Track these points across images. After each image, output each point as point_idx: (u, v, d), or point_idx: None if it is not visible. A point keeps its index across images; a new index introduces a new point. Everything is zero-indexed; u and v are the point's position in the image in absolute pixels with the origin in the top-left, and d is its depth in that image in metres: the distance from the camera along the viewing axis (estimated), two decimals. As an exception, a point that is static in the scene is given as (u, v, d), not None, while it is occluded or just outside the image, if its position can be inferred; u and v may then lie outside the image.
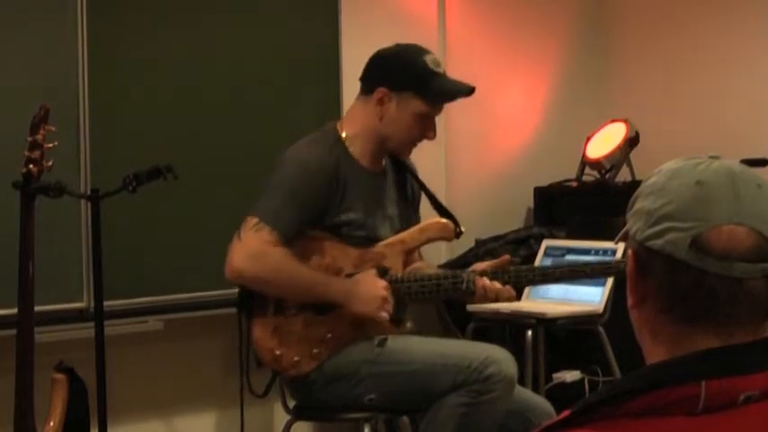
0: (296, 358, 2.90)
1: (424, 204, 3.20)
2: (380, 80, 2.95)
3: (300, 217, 2.86)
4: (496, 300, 2.93)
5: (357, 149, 2.98)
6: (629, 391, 1.10)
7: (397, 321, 2.96)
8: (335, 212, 2.92)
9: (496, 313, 3.86)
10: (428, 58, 2.95)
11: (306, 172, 2.87)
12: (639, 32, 5.07)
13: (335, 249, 2.94)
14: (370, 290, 2.87)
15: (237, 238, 2.83)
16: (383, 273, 2.93)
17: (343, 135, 2.99)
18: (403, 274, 2.98)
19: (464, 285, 2.93)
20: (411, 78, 2.93)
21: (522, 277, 2.98)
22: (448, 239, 3.15)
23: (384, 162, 3.07)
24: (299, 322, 2.91)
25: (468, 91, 2.98)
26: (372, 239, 2.98)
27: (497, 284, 2.89)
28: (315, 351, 2.91)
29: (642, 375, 1.12)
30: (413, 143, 3.03)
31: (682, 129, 4.84)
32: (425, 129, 2.99)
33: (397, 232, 3.03)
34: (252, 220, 2.82)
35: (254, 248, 2.80)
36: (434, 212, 3.14)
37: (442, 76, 2.97)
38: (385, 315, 2.87)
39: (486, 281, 2.89)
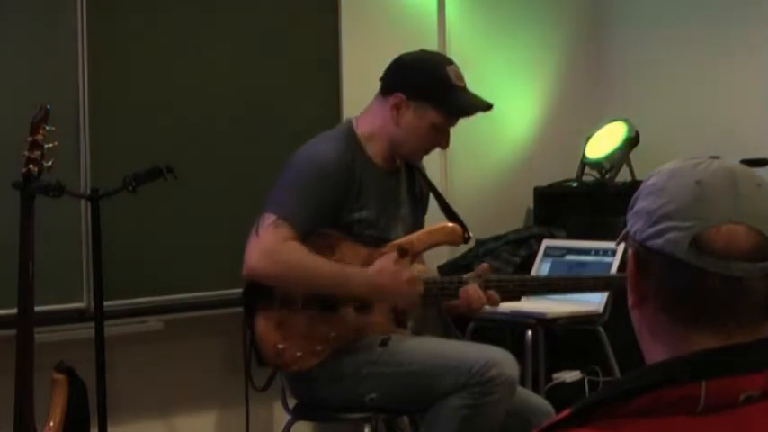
0: (298, 353, 2.90)
1: (432, 207, 3.20)
2: (399, 85, 2.94)
3: (318, 215, 2.86)
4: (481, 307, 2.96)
5: (372, 149, 2.98)
6: (630, 391, 1.10)
7: (398, 321, 2.97)
8: (349, 211, 2.92)
9: (496, 314, 3.85)
10: (450, 70, 2.93)
11: (323, 170, 2.87)
12: (639, 32, 5.07)
13: (345, 247, 2.93)
14: (393, 278, 2.86)
15: (255, 236, 2.81)
16: (403, 252, 2.92)
17: (359, 133, 2.99)
18: None
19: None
20: (430, 89, 2.92)
21: (527, 287, 2.99)
22: (455, 244, 3.16)
23: (398, 162, 3.07)
24: (303, 318, 2.91)
25: (486, 107, 2.97)
26: (383, 239, 2.98)
27: (481, 293, 2.92)
28: (318, 348, 2.91)
29: (642, 375, 1.12)
30: (425, 151, 3.04)
31: (682, 129, 4.84)
32: (438, 139, 2.99)
33: (408, 233, 3.03)
34: (270, 218, 2.81)
35: (271, 246, 2.79)
36: (442, 215, 3.14)
37: (462, 89, 2.95)
38: (415, 300, 2.87)
39: (472, 289, 2.90)
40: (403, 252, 2.93)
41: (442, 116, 2.94)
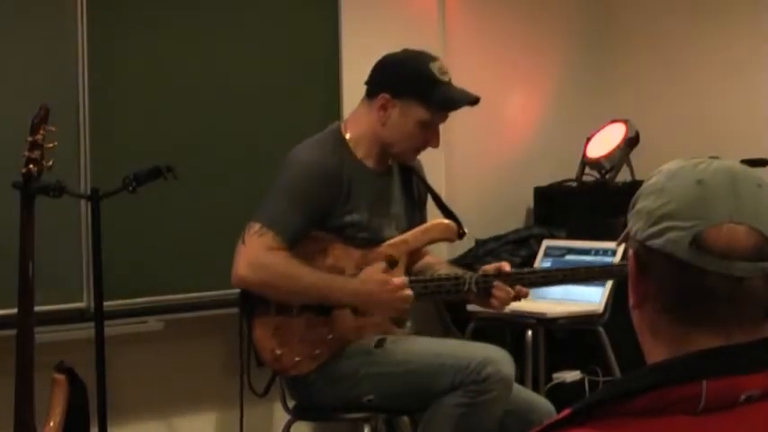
0: (297, 358, 2.90)
1: (429, 205, 3.20)
2: (384, 86, 2.94)
3: (305, 220, 2.85)
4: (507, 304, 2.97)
5: (362, 151, 2.98)
6: (630, 391, 1.10)
7: (397, 321, 2.97)
8: (339, 214, 2.91)
9: (496, 313, 3.85)
10: (434, 66, 2.93)
11: (310, 175, 2.86)
12: (640, 33, 5.07)
13: (338, 250, 2.93)
14: (380, 286, 2.86)
15: (242, 245, 2.82)
16: (392, 264, 2.93)
17: (347, 136, 2.98)
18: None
19: (466, 287, 2.94)
20: (414, 85, 2.91)
21: (525, 279, 2.99)
22: (451, 241, 3.16)
23: (390, 162, 3.07)
24: (300, 323, 2.91)
25: (472, 100, 2.97)
26: (376, 240, 2.98)
27: (509, 290, 2.93)
28: (316, 352, 2.91)
29: (643, 375, 1.12)
30: (416, 150, 3.03)
31: (682, 129, 4.84)
32: (428, 137, 2.98)
33: (402, 232, 3.04)
34: (255, 226, 2.81)
35: (257, 255, 2.79)
36: (438, 213, 3.14)
37: (447, 84, 2.94)
38: (406, 306, 2.88)
39: (499, 288, 2.92)
40: (392, 263, 2.94)
41: (428, 112, 2.93)
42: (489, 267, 2.98)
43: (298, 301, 2.88)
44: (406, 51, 3.02)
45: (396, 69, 2.96)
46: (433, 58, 2.98)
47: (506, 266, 2.97)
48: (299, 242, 2.85)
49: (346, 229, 2.93)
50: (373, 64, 3.04)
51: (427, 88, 2.91)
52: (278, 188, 2.88)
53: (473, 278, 2.94)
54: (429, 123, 2.95)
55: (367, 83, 3.01)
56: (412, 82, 2.92)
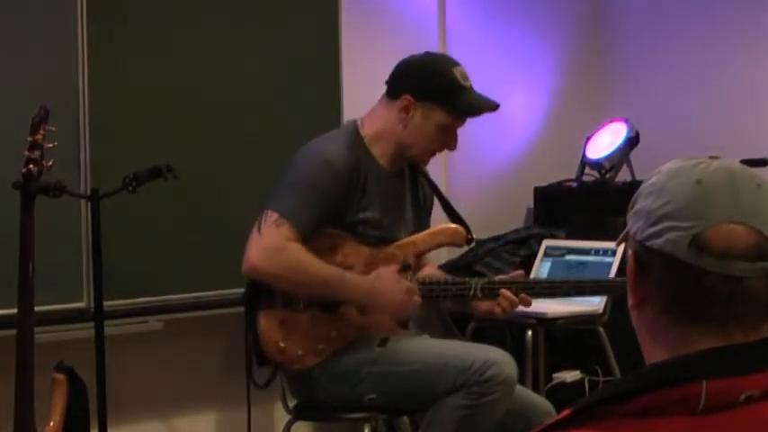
0: (300, 352, 2.91)
1: (435, 208, 3.20)
2: (407, 87, 2.94)
3: (320, 214, 2.86)
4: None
5: (377, 150, 2.98)
6: (630, 391, 1.10)
7: (401, 322, 2.97)
8: (353, 211, 2.92)
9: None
10: (456, 71, 2.95)
11: (327, 170, 2.86)
12: (639, 32, 5.07)
13: (348, 248, 2.93)
14: (391, 287, 2.86)
15: (257, 233, 2.81)
16: (406, 267, 2.94)
17: (364, 134, 2.99)
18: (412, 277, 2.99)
19: (471, 292, 2.94)
20: (438, 90, 2.93)
21: (530, 289, 3.00)
22: (459, 245, 3.17)
23: (402, 164, 3.07)
24: (305, 318, 2.91)
25: (493, 107, 2.99)
26: (387, 240, 2.98)
27: (512, 296, 2.93)
28: (319, 348, 2.91)
29: (643, 375, 1.12)
30: (432, 153, 3.05)
31: (682, 129, 4.84)
32: (446, 140, 3.00)
33: (411, 234, 3.04)
34: (272, 216, 2.81)
35: (272, 244, 2.79)
36: (445, 216, 3.14)
37: (469, 90, 2.96)
38: (416, 301, 2.87)
39: (509, 296, 2.93)
40: (406, 267, 2.94)
41: (449, 117, 2.95)
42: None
43: (308, 293, 2.88)
44: (428, 54, 3.05)
45: (420, 72, 2.97)
46: (455, 63, 3.00)
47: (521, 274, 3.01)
48: (311, 236, 2.85)
49: (359, 227, 2.93)
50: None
51: (450, 93, 2.93)
52: (296, 180, 2.87)
53: (479, 284, 2.95)
54: (449, 127, 2.97)
55: (388, 82, 3.01)
56: (436, 86, 2.94)
